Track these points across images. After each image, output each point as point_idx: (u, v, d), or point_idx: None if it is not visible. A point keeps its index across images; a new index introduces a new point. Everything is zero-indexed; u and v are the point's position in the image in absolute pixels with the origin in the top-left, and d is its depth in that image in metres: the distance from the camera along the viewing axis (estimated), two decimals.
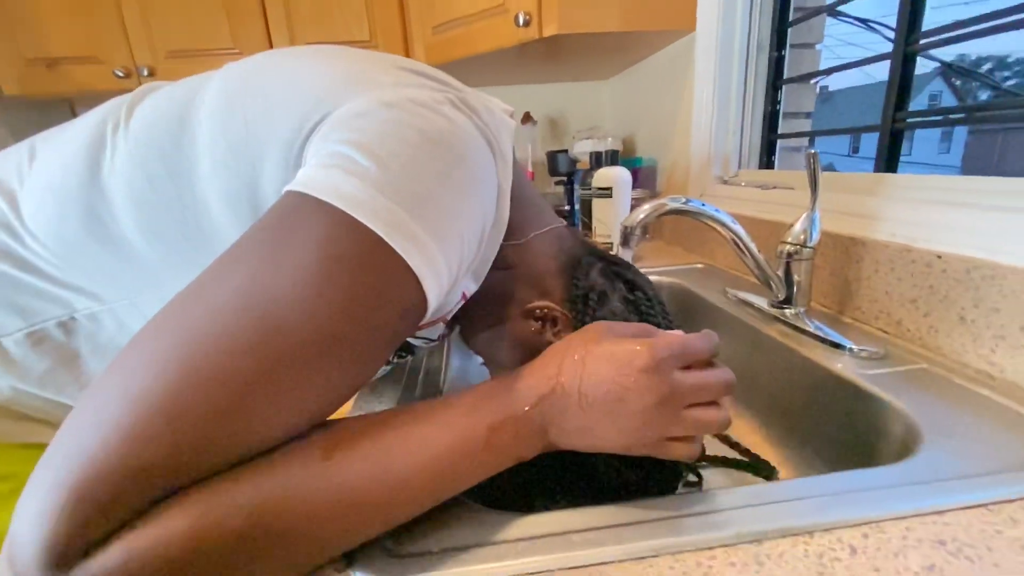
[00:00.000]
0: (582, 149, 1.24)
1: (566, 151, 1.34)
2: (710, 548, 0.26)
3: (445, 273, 0.28)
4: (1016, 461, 0.31)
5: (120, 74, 1.15)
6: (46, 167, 0.32)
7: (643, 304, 0.38)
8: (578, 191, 1.17)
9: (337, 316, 0.24)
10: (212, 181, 0.30)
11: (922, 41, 0.60)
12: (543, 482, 0.38)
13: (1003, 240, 0.42)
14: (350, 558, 0.26)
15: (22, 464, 0.36)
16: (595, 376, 0.28)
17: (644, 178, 1.19)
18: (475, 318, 0.41)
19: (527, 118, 1.45)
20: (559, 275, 0.39)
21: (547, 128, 1.56)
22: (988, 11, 0.53)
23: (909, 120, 0.62)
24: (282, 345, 0.22)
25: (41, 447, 0.35)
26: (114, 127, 0.32)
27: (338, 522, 0.24)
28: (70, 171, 0.31)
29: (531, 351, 0.33)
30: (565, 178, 1.33)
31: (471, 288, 0.37)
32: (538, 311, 0.37)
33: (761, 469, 0.47)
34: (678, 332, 0.30)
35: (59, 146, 0.33)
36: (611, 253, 0.43)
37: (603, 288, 0.38)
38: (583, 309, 0.36)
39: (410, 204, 0.25)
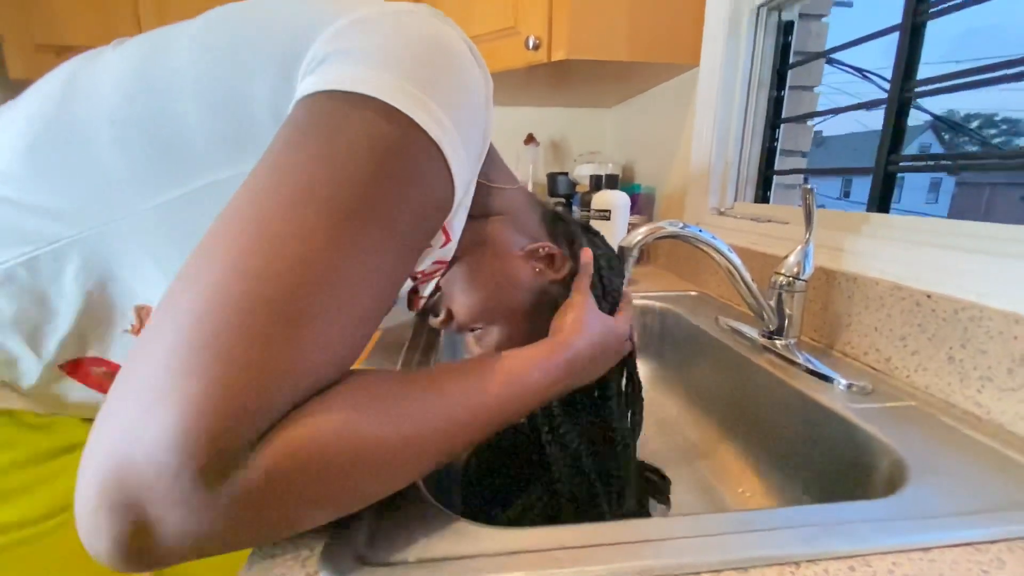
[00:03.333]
0: (582, 172, 1.25)
1: (566, 174, 1.36)
2: (697, 573, 0.25)
3: (466, 167, 0.30)
4: (1002, 502, 0.31)
5: None
6: (21, 104, 0.32)
7: (604, 247, 0.47)
8: (577, 213, 1.18)
9: (392, 201, 0.25)
10: (192, 94, 0.29)
11: (917, 89, 0.62)
12: (520, 490, 0.39)
13: (991, 284, 0.43)
14: (322, 563, 0.25)
15: None
16: (598, 343, 0.39)
17: (642, 204, 1.21)
18: (472, 267, 0.40)
19: (530, 139, 1.47)
20: (540, 223, 0.44)
21: (549, 150, 1.58)
22: (980, 64, 0.55)
23: (902, 164, 0.64)
24: (347, 231, 0.24)
25: None
26: (91, 59, 0.32)
27: (437, 445, 0.27)
28: (47, 99, 0.31)
29: (535, 292, 0.41)
30: (564, 200, 1.34)
31: (457, 231, 0.37)
32: (541, 250, 0.41)
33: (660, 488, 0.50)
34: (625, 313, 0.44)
35: (36, 86, 0.33)
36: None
37: (578, 234, 0.45)
38: (570, 252, 0.43)
39: (434, 96, 0.27)
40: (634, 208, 1.15)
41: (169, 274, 0.31)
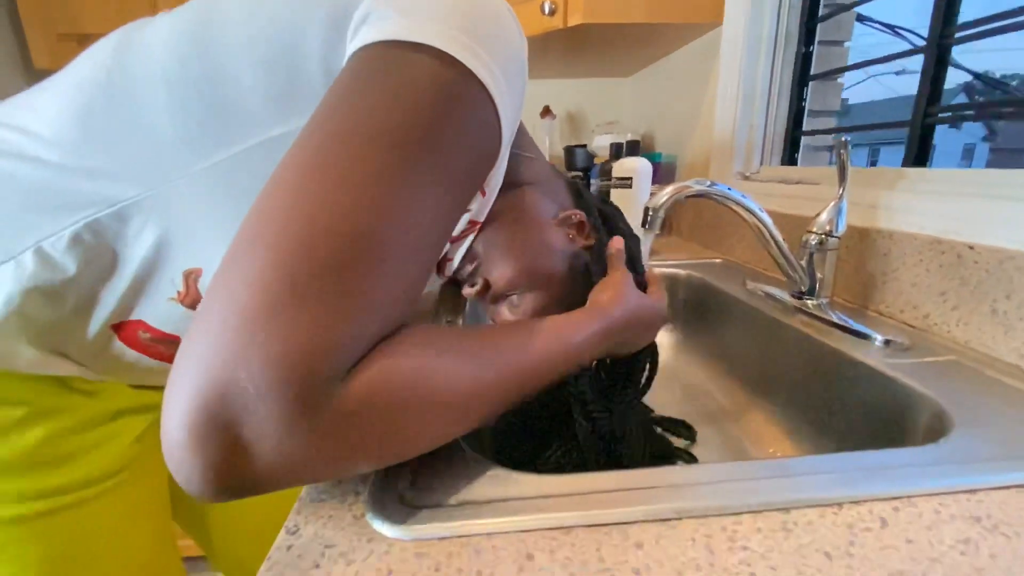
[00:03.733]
0: (601, 143, 1.23)
1: (584, 146, 1.34)
2: (736, 514, 0.25)
3: (511, 121, 0.30)
4: None
5: None
6: (73, 69, 0.33)
7: (624, 225, 0.48)
8: (596, 185, 1.16)
9: (451, 142, 0.26)
10: (244, 53, 0.30)
11: (958, 34, 0.59)
12: (555, 438, 0.39)
13: None
14: (369, 505, 0.26)
15: (33, 394, 0.37)
16: (633, 315, 0.39)
17: (663, 174, 1.18)
18: (510, 235, 0.41)
19: (546, 112, 1.45)
20: (567, 192, 0.46)
21: (566, 123, 1.56)
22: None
23: (942, 116, 0.61)
24: (415, 171, 0.25)
25: (46, 379, 0.35)
26: (140, 27, 0.33)
27: (495, 393, 0.28)
28: (98, 65, 0.31)
29: (568, 258, 0.42)
30: (581, 173, 1.32)
31: (494, 190, 0.38)
32: (572, 217, 0.43)
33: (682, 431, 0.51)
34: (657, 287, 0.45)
35: (85, 55, 0.33)
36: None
37: (598, 204, 0.47)
38: (597, 220, 0.45)
39: (486, 47, 0.27)
40: (655, 177, 1.13)
41: (223, 235, 0.31)
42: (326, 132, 0.25)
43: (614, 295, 0.39)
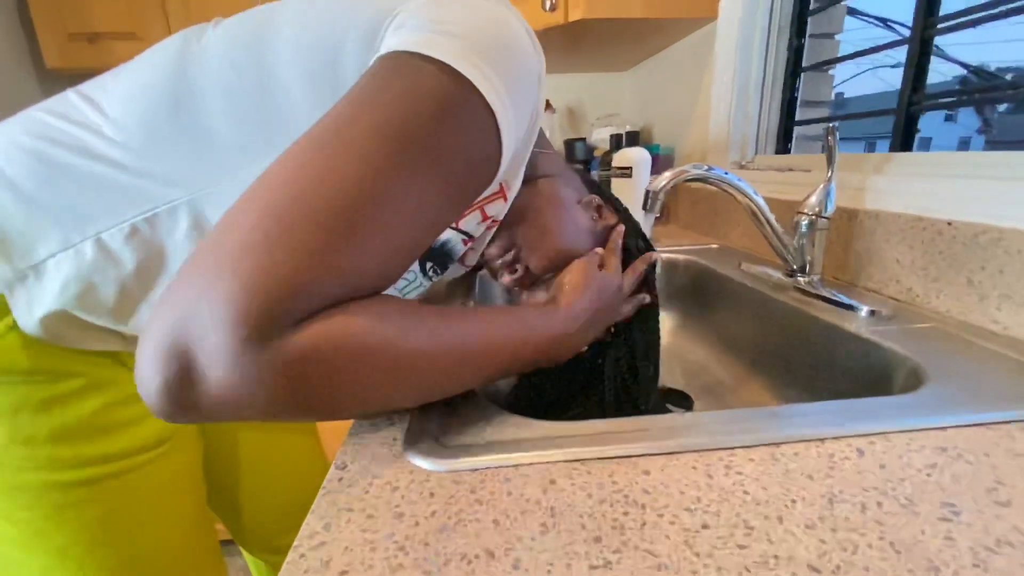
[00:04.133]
0: (600, 136, 1.26)
1: (584, 139, 1.37)
2: (731, 448, 0.29)
3: (514, 132, 0.33)
4: (1017, 394, 0.34)
5: None
6: (136, 73, 0.36)
7: (624, 213, 0.52)
8: (596, 174, 1.19)
9: (446, 145, 0.29)
10: (294, 65, 0.33)
11: (940, 25, 0.62)
12: (567, 407, 0.43)
13: (1009, 207, 0.45)
14: (407, 444, 0.29)
15: (89, 367, 0.40)
16: (598, 291, 0.43)
17: (661, 165, 1.21)
18: (544, 221, 0.45)
19: (547, 106, 1.48)
20: (580, 181, 0.50)
21: (565, 117, 1.59)
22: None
23: (926, 103, 0.65)
24: (406, 163, 0.27)
25: (101, 354, 0.39)
26: (199, 34, 0.36)
27: (445, 365, 0.30)
28: (159, 70, 0.35)
29: (595, 236, 0.47)
30: (581, 165, 1.36)
31: (514, 189, 0.41)
32: (592, 201, 0.48)
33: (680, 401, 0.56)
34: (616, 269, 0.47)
35: (145, 58, 0.36)
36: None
37: (603, 190, 0.52)
38: (607, 204, 0.50)
39: (493, 67, 0.30)
40: (653, 170, 1.16)
41: None
42: (333, 118, 0.28)
43: (576, 276, 0.43)
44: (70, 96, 0.37)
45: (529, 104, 0.35)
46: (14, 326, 0.36)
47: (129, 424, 0.42)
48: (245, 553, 0.69)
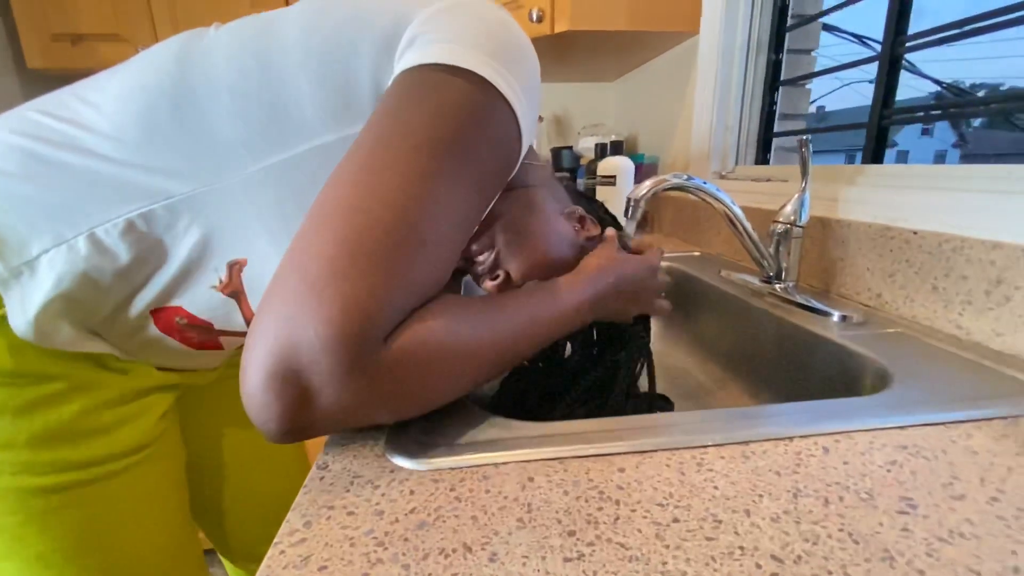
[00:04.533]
0: (586, 144, 1.28)
1: (570, 147, 1.39)
2: (703, 447, 0.30)
3: (528, 137, 0.35)
4: (975, 395, 0.35)
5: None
6: (135, 72, 0.36)
7: (611, 219, 0.55)
8: (582, 184, 1.21)
9: (483, 152, 0.31)
10: (304, 65, 0.34)
11: (909, 44, 0.65)
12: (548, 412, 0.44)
13: (971, 217, 0.47)
14: (388, 444, 0.30)
15: (70, 369, 0.39)
16: (623, 271, 0.44)
17: (645, 174, 1.24)
18: (527, 229, 0.46)
19: None
20: (565, 193, 0.52)
21: (552, 126, 1.61)
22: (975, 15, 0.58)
23: (896, 117, 0.67)
24: (452, 176, 0.30)
25: (83, 356, 0.39)
26: (200, 35, 0.37)
27: (508, 347, 0.33)
28: (159, 69, 0.35)
29: (577, 248, 0.47)
30: (568, 173, 1.38)
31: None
32: (575, 212, 0.49)
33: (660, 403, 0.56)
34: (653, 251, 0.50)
35: (144, 58, 0.37)
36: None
37: (592, 202, 0.55)
38: (596, 214, 0.53)
39: (513, 72, 0.32)
40: (638, 178, 1.19)
41: (270, 230, 0.36)
42: (378, 139, 0.30)
43: (601, 256, 0.44)
44: (63, 94, 0.37)
45: (536, 105, 0.36)
46: (1, 327, 0.35)
47: (109, 428, 0.42)
48: (226, 563, 0.68)
